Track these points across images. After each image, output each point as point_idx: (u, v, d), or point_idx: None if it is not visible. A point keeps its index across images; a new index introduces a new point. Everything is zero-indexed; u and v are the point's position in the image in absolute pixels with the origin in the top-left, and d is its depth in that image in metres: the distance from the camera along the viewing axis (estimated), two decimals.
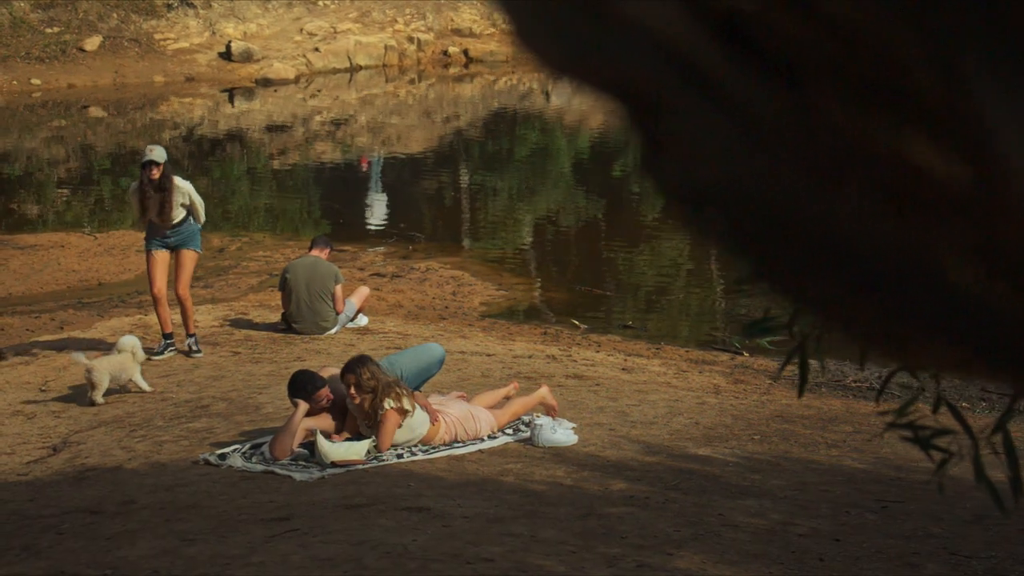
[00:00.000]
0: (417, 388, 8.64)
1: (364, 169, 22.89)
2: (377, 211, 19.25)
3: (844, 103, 1.06)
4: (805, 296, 1.22)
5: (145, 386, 9.34)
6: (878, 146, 1.07)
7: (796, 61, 1.06)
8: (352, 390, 7.70)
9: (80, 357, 9.23)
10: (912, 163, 1.08)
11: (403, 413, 7.71)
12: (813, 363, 2.08)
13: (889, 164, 1.07)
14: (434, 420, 7.87)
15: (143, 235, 11.06)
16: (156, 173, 10.43)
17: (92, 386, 9.11)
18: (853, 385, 10.34)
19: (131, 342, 9.39)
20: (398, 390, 7.75)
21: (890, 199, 1.09)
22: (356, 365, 7.74)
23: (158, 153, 10.53)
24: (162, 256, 10.73)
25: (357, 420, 7.88)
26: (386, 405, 7.66)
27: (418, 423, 7.81)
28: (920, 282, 1.14)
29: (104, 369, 9.12)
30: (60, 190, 20.87)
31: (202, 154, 24.39)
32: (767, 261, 1.19)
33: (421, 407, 7.87)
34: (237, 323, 11.99)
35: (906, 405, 2.03)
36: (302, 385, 7.88)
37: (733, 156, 1.11)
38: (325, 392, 7.89)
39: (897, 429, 2.04)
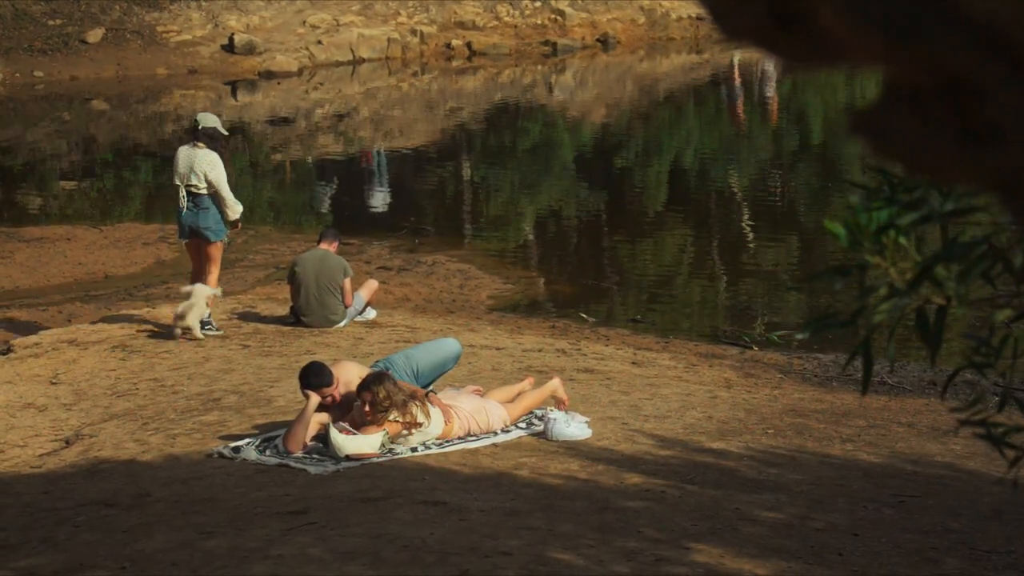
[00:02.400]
0: (432, 382, 8.62)
1: (365, 164, 22.83)
2: (378, 205, 19.28)
3: None
4: None
5: (199, 334, 10.68)
6: None
7: None
8: (367, 407, 7.67)
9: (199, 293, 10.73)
10: None
11: (411, 426, 7.67)
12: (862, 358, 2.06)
13: None
14: (447, 421, 7.85)
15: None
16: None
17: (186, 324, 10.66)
18: None
19: (205, 290, 10.73)
20: (412, 405, 7.70)
21: None
22: (372, 384, 7.67)
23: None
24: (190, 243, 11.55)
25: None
26: (392, 416, 7.61)
27: (433, 425, 7.79)
28: None
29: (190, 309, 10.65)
30: (64, 183, 20.84)
31: None
32: None
33: (437, 409, 7.84)
34: (245, 316, 11.96)
35: (974, 402, 2.02)
36: (313, 377, 7.86)
37: None
38: (331, 391, 7.86)
39: (970, 426, 2.02)
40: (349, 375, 7.99)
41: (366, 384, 7.68)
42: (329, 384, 7.82)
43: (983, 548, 6.10)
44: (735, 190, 20.34)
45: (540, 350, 10.75)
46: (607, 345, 11.30)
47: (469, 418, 7.94)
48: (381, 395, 7.59)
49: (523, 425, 8.16)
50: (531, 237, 17.21)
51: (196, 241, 11.28)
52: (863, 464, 7.61)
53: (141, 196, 19.85)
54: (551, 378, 8.62)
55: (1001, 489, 7.21)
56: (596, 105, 29.07)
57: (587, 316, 12.69)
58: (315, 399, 7.74)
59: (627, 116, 27.96)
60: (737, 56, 33.41)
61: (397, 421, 7.62)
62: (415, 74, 32.22)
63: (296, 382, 8.31)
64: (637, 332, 12.18)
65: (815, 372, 10.59)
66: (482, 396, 8.26)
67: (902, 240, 1.73)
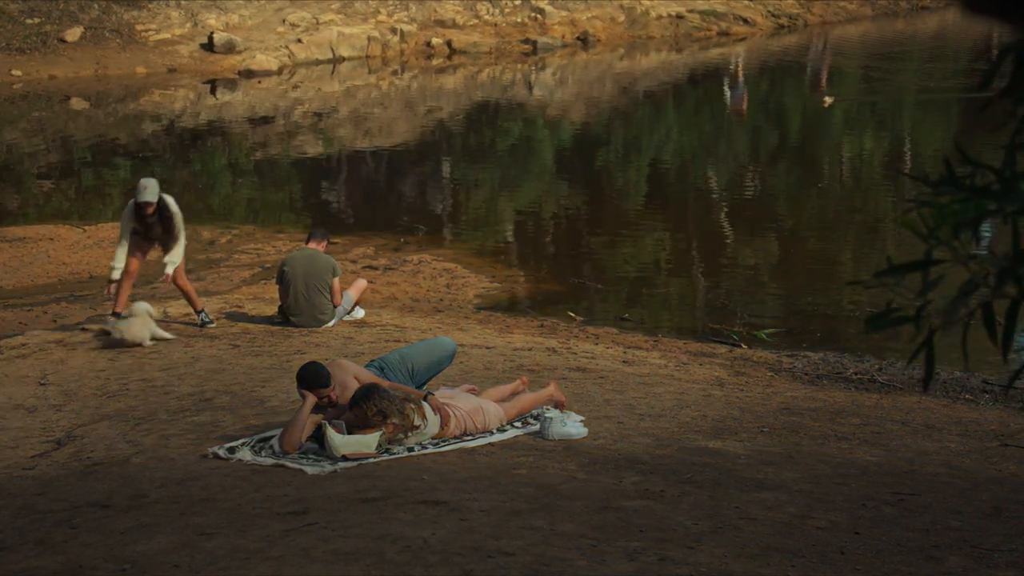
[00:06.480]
0: (427, 381, 8.58)
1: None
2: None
3: None
4: None
5: (167, 335, 10.85)
6: None
7: None
8: (357, 421, 7.64)
9: (112, 322, 10.85)
10: None
11: (409, 429, 7.64)
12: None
13: None
14: (444, 423, 7.81)
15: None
16: (151, 209, 10.89)
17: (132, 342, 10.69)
18: (854, 377, 10.34)
19: (143, 306, 10.73)
20: (408, 408, 7.65)
21: None
22: (362, 400, 7.61)
23: (151, 192, 10.86)
24: (137, 242, 11.14)
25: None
26: (392, 420, 7.59)
27: (430, 425, 7.75)
28: None
29: (136, 331, 10.67)
30: (44, 182, 20.71)
31: (184, 146, 24.25)
32: None
33: (434, 410, 7.80)
34: (233, 316, 11.90)
35: None
36: (310, 377, 7.81)
37: None
38: (328, 392, 7.80)
39: None
40: (345, 375, 7.94)
41: (355, 401, 7.64)
42: (326, 385, 7.77)
43: (985, 546, 6.09)
44: (718, 187, 20.35)
45: (530, 349, 10.73)
46: (597, 344, 11.29)
47: (466, 417, 7.91)
48: (371, 412, 7.56)
49: (519, 424, 8.14)
50: (515, 236, 17.18)
51: None
52: (860, 462, 7.60)
53: (121, 196, 19.74)
54: (547, 384, 8.61)
55: (999, 487, 7.22)
56: (576, 103, 29.05)
57: (575, 314, 12.68)
58: (311, 400, 7.70)
59: (608, 114, 27.95)
60: (740, 54, 33.60)
61: (394, 423, 7.59)
62: (395, 73, 32.15)
63: (289, 382, 8.25)
64: (625, 330, 12.17)
65: (805, 370, 10.60)
66: (477, 395, 8.23)
67: (975, 235, 1.71)
